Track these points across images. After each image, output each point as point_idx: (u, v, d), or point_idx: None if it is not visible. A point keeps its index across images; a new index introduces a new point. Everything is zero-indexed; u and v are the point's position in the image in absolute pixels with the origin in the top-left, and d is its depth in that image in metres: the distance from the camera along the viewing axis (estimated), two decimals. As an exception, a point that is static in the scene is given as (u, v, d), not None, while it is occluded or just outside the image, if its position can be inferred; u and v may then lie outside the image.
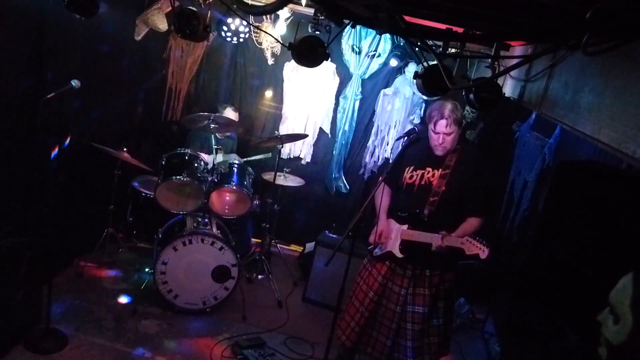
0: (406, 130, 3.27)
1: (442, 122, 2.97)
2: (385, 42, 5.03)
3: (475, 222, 3.01)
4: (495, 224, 4.81)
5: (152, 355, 3.44)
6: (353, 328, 3.19)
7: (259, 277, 4.74)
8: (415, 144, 3.16)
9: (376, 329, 3.17)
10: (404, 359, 3.13)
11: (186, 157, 4.09)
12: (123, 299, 3.99)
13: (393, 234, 3.09)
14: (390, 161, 3.78)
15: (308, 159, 5.46)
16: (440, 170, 3.04)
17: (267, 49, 5.11)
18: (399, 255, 3.04)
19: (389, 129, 5.25)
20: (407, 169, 3.14)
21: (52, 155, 3.60)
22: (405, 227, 3.04)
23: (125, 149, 4.21)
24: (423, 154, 3.13)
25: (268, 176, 4.70)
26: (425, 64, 2.68)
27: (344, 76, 5.23)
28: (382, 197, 3.24)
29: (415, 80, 2.87)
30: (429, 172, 3.09)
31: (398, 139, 3.46)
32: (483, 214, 3.02)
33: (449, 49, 3.16)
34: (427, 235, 2.94)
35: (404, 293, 3.07)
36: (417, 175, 3.11)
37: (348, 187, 5.48)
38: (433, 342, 3.15)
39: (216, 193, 4.20)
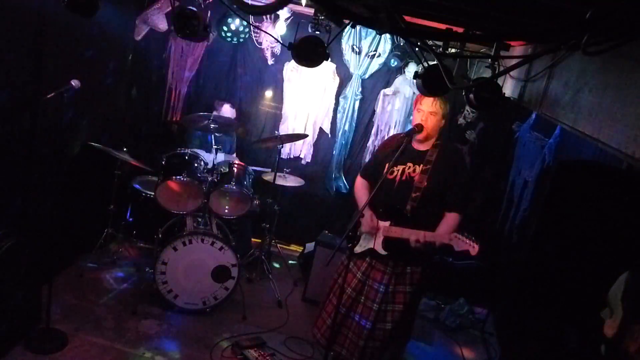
0: (406, 130, 3.27)
1: (429, 99, 3.00)
2: (385, 42, 5.03)
3: (454, 218, 2.99)
4: (496, 223, 4.81)
5: (152, 355, 3.44)
6: (329, 325, 3.16)
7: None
8: (407, 141, 3.14)
9: (352, 329, 3.16)
10: (369, 353, 3.14)
11: (186, 157, 4.09)
12: (123, 299, 3.98)
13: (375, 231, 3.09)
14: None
15: (308, 159, 5.46)
16: (422, 165, 3.04)
17: (267, 49, 5.11)
18: (382, 252, 3.02)
19: (389, 129, 5.25)
20: (387, 165, 3.11)
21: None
22: (387, 223, 3.03)
23: (125, 149, 4.21)
24: (404, 149, 3.11)
25: (268, 176, 4.70)
26: (425, 64, 2.68)
27: (344, 76, 5.23)
28: (361, 191, 3.30)
29: (415, 80, 2.87)
30: (409, 167, 3.08)
31: (391, 138, 3.47)
32: (461, 210, 3.01)
33: (449, 49, 3.16)
34: (410, 232, 2.92)
35: (384, 290, 3.06)
36: (398, 170, 3.10)
37: (348, 187, 5.48)
38: (400, 334, 3.20)
39: (216, 193, 4.20)
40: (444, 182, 3.00)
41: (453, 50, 3.56)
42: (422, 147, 3.12)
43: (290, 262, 5.26)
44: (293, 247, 5.65)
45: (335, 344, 3.20)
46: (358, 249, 3.15)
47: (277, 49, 5.11)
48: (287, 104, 5.33)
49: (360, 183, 3.40)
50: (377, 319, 3.08)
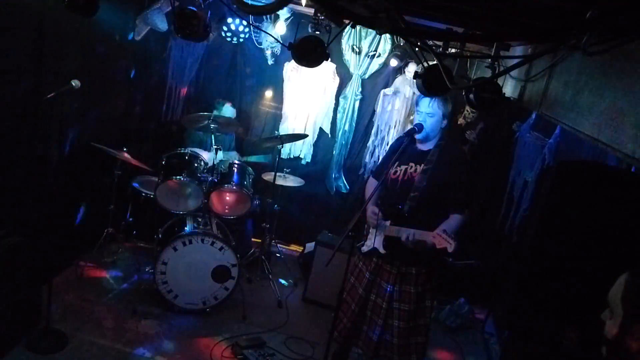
0: (406, 130, 3.27)
1: (425, 100, 3.02)
2: (385, 42, 5.03)
3: (457, 219, 2.99)
4: (495, 223, 4.82)
5: (152, 355, 3.44)
6: (345, 324, 3.21)
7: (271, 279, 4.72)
8: (407, 140, 3.14)
9: (366, 322, 3.20)
10: (390, 356, 3.12)
11: (186, 157, 4.09)
12: (123, 299, 3.98)
13: (378, 230, 3.09)
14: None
15: (308, 159, 5.46)
16: (423, 165, 3.04)
17: (267, 49, 5.11)
18: (383, 251, 3.04)
19: (389, 129, 5.26)
20: (392, 165, 3.14)
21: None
22: (388, 223, 3.04)
23: (125, 149, 4.21)
24: (408, 150, 3.12)
25: (268, 176, 4.70)
26: (425, 64, 2.68)
27: (344, 76, 5.23)
28: (370, 190, 3.29)
29: (415, 80, 2.87)
30: (411, 167, 3.09)
31: (398, 140, 3.47)
32: (464, 210, 3.01)
33: (449, 49, 3.16)
34: (404, 230, 2.92)
35: (391, 290, 3.07)
36: (401, 170, 3.12)
37: (348, 187, 5.48)
38: (420, 341, 3.15)
39: (216, 193, 4.20)
40: (444, 182, 3.00)
41: (453, 50, 3.56)
42: (424, 147, 3.12)
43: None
44: (293, 247, 5.65)
45: (354, 337, 3.25)
46: (364, 249, 3.18)
47: (277, 49, 5.10)
48: (287, 104, 5.33)
49: (369, 183, 3.43)
50: (386, 316, 3.11)
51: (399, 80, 5.17)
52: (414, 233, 2.86)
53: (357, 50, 5.08)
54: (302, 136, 4.98)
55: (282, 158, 4.73)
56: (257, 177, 4.62)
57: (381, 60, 5.10)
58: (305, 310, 4.47)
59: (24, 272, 3.15)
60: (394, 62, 4.99)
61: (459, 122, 5.07)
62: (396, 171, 3.13)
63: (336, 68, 5.19)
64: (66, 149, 3.92)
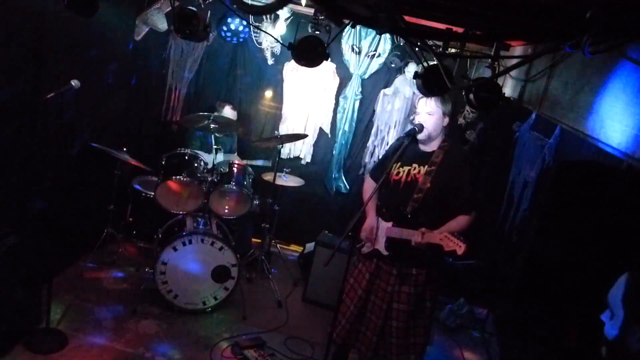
0: (406, 130, 3.26)
1: (423, 100, 3.02)
2: (385, 42, 5.03)
3: (464, 220, 2.98)
4: (495, 223, 4.81)
5: (152, 355, 3.44)
6: (343, 325, 3.20)
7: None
8: (407, 141, 3.13)
9: (364, 324, 3.18)
10: (389, 356, 3.12)
11: (186, 157, 4.09)
12: (123, 299, 3.99)
13: (379, 232, 3.09)
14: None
15: (308, 159, 5.46)
16: (426, 166, 3.03)
17: (267, 49, 5.11)
18: (385, 252, 3.04)
19: (389, 129, 5.26)
20: (394, 165, 3.11)
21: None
22: (390, 224, 3.04)
23: (125, 149, 4.21)
24: (411, 150, 3.11)
25: (268, 176, 4.70)
26: (425, 64, 2.68)
27: (344, 76, 5.23)
28: (368, 192, 3.27)
29: (415, 80, 2.87)
30: (415, 168, 3.07)
31: (398, 140, 3.47)
32: (471, 211, 3.01)
33: (449, 49, 3.16)
34: (409, 232, 2.92)
35: (390, 290, 3.07)
36: (404, 171, 3.10)
37: (348, 187, 5.48)
38: (419, 342, 3.14)
39: (216, 193, 4.20)
40: (447, 184, 2.99)
41: (453, 50, 3.56)
42: (427, 149, 3.11)
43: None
44: (293, 247, 5.65)
45: (352, 339, 3.24)
46: (365, 250, 3.17)
47: (277, 49, 5.10)
48: (287, 104, 5.33)
49: (367, 184, 3.41)
50: (386, 316, 3.10)
51: (399, 80, 5.17)
52: (422, 235, 2.86)
53: (357, 50, 5.08)
54: (302, 136, 4.98)
55: (282, 158, 4.73)
56: (257, 177, 4.62)
57: (381, 60, 5.09)
58: (305, 310, 4.47)
59: (24, 272, 3.15)
60: (393, 62, 4.99)
61: (459, 122, 5.07)
62: (399, 172, 3.12)
63: (336, 68, 5.19)
64: (66, 149, 3.92)
